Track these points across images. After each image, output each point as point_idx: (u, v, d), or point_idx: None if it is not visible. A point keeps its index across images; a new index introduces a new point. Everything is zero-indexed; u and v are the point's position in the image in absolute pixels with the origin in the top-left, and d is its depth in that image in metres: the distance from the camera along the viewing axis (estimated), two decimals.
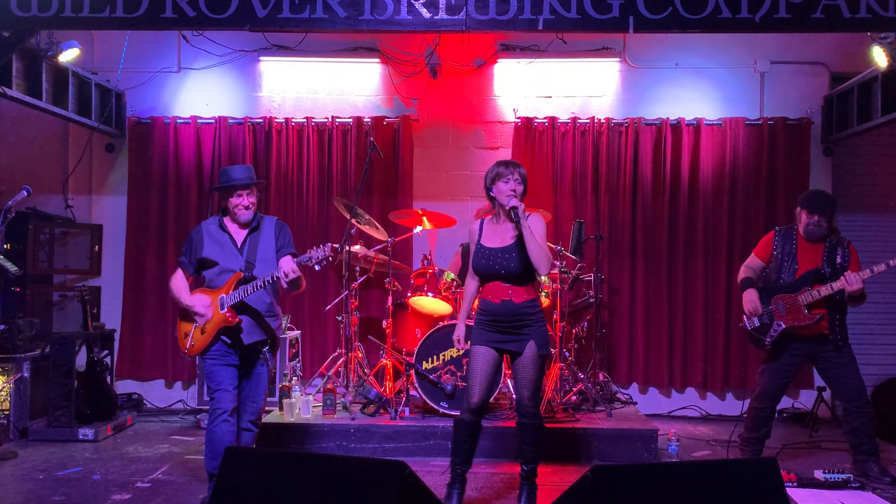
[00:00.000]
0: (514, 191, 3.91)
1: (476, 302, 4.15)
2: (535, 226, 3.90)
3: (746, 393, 5.94)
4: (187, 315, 4.03)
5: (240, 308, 3.95)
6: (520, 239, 3.88)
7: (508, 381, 5.47)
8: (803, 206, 4.71)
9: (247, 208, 4.03)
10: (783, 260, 4.75)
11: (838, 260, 4.65)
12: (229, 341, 3.97)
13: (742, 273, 4.92)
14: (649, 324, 6.73)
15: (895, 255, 4.46)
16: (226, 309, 3.91)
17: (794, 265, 4.70)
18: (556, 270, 5.69)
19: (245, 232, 4.08)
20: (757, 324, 4.73)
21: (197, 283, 4.15)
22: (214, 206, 6.72)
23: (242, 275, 3.96)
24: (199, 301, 3.97)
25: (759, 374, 4.85)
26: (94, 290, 6.72)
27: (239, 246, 4.05)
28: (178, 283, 4.10)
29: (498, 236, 3.98)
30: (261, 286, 3.89)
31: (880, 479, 4.56)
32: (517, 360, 3.96)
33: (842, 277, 4.49)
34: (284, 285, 3.93)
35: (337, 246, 3.70)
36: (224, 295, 3.94)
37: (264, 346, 4.07)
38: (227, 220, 4.10)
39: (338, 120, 6.84)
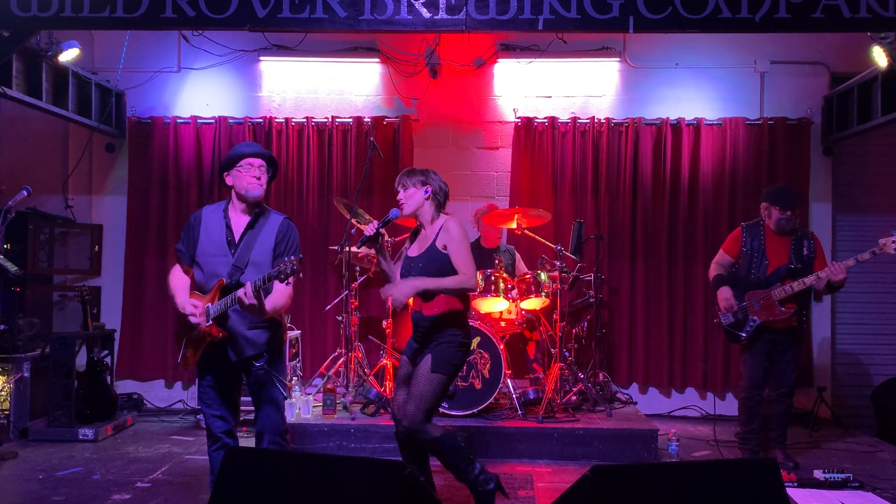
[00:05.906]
0: (400, 200, 3.84)
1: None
2: (453, 232, 3.74)
3: None
4: (183, 323, 3.61)
5: (223, 320, 3.52)
6: (430, 249, 3.79)
7: (509, 381, 5.47)
8: (774, 203, 4.89)
9: (258, 179, 3.57)
10: (752, 255, 4.92)
11: (805, 252, 4.87)
12: (219, 358, 3.57)
13: (713, 270, 5.09)
14: (649, 324, 6.73)
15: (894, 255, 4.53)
16: (210, 321, 3.49)
17: (763, 260, 4.88)
18: (556, 271, 5.70)
19: (245, 223, 3.60)
20: (731, 319, 4.91)
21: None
22: None
23: (225, 283, 3.51)
24: (191, 303, 3.54)
25: (742, 364, 5.03)
26: (94, 290, 6.72)
27: (236, 242, 3.59)
28: (176, 280, 3.67)
29: (417, 244, 3.93)
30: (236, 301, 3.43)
31: (785, 465, 4.70)
32: (413, 370, 3.86)
33: (827, 267, 4.70)
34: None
35: (298, 260, 3.41)
36: (210, 304, 3.51)
37: (258, 359, 3.58)
38: (231, 209, 3.65)
39: (338, 120, 6.84)
